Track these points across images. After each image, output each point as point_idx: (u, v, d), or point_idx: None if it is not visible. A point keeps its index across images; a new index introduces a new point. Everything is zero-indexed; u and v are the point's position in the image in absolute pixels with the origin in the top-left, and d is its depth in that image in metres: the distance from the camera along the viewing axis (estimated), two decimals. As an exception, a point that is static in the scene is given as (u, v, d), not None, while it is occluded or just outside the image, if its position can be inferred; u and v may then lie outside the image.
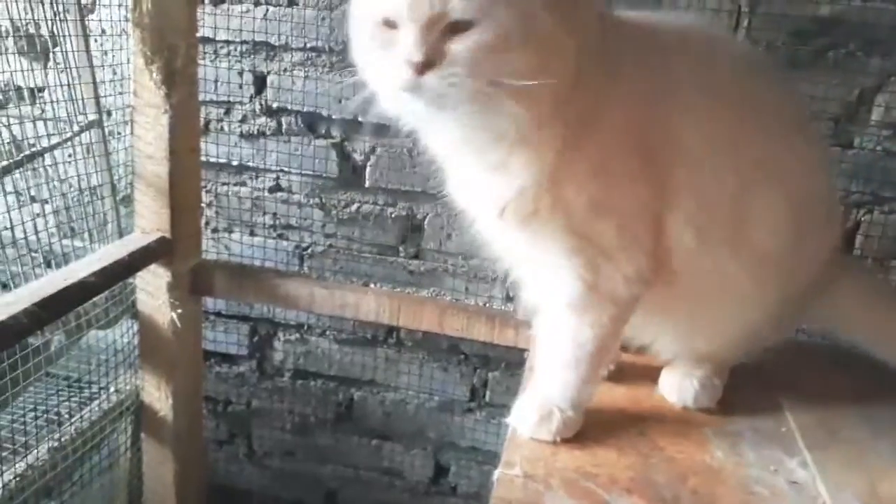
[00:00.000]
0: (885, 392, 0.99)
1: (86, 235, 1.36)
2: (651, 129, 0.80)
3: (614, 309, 0.84)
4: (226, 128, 1.47)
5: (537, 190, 0.77)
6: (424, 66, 0.68)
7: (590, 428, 0.88)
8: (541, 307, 0.93)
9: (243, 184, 1.49)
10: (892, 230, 1.30)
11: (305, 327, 1.56)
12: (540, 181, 0.77)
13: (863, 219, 1.31)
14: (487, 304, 1.45)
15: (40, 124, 1.35)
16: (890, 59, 1.24)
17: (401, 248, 1.48)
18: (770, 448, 0.88)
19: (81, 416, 1.26)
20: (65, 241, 1.36)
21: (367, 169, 1.45)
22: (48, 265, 1.30)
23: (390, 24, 0.70)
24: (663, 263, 0.84)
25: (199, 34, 1.34)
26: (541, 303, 0.92)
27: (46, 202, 1.36)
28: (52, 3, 1.27)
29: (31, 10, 1.34)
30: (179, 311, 1.30)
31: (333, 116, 1.42)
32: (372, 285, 1.48)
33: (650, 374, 1.00)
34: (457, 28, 0.69)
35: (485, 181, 0.80)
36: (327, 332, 1.55)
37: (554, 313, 0.87)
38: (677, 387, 0.97)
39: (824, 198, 0.96)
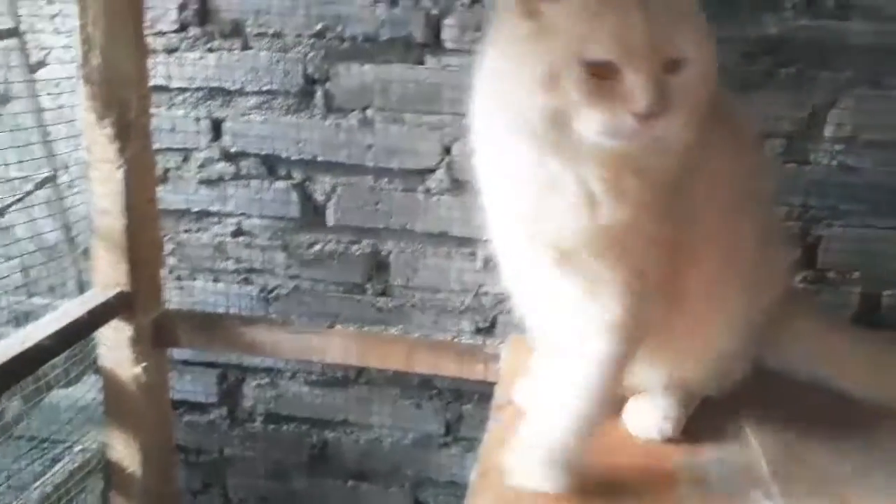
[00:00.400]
0: (848, 413, 0.99)
1: (47, 292, 1.34)
2: (699, 170, 0.81)
3: (641, 338, 0.84)
4: (184, 175, 1.46)
5: (628, 222, 0.77)
6: (655, 115, 0.66)
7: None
8: (554, 348, 0.91)
9: (205, 230, 1.48)
10: (851, 244, 1.31)
11: (275, 371, 1.54)
12: (637, 215, 0.76)
13: (823, 233, 1.32)
14: (456, 339, 1.44)
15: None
16: (840, 76, 1.25)
17: (367, 286, 1.47)
18: (735, 480, 0.88)
19: (44, 481, 1.23)
20: (27, 299, 1.34)
21: (329, 208, 1.44)
22: (9, 323, 1.29)
23: (602, 67, 0.66)
24: (679, 288, 0.85)
25: (152, 83, 1.35)
26: (558, 342, 0.90)
27: (6, 261, 1.35)
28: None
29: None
30: (144, 364, 1.29)
31: (292, 158, 1.42)
32: (339, 325, 1.46)
33: (615, 406, 1.00)
34: (672, 66, 0.67)
35: (573, 213, 0.77)
36: (297, 375, 1.53)
37: (580, 350, 0.84)
38: (641, 420, 0.97)
39: (776, 215, 1.03)
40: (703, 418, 0.98)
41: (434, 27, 1.34)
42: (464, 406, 1.50)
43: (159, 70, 1.40)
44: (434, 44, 1.34)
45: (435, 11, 1.33)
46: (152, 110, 1.35)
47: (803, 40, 1.25)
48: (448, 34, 1.34)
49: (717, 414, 0.98)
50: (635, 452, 0.93)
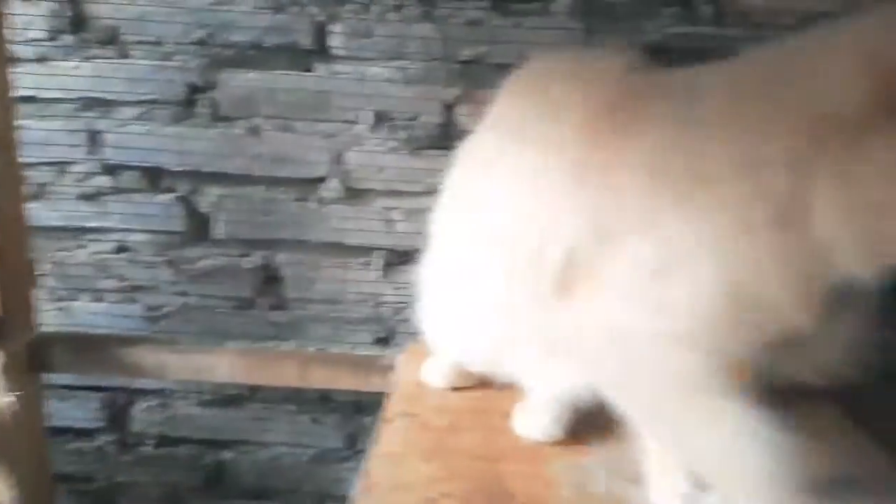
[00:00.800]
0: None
1: None
2: None
3: None
4: (61, 190, 1.39)
5: None
6: None
7: (439, 476, 0.87)
8: None
9: (84, 247, 1.41)
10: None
11: (165, 392, 1.47)
12: None
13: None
14: (354, 350, 1.41)
15: None
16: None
17: (259, 300, 1.42)
18: (619, 481, 0.88)
19: None
20: None
21: (217, 221, 1.39)
22: None
23: None
24: None
25: (19, 94, 1.28)
26: None
27: None
28: None
29: None
30: (17, 393, 1.21)
31: (176, 169, 1.37)
32: (231, 342, 1.42)
33: (505, 410, 0.99)
34: None
35: None
36: (189, 395, 1.47)
37: None
38: (529, 422, 0.97)
39: None
40: (589, 418, 0.98)
41: (321, 34, 1.32)
42: (364, 419, 1.48)
43: (28, 80, 1.32)
44: (321, 51, 1.32)
45: (321, 18, 1.31)
46: (21, 122, 1.27)
47: (682, 47, 1.28)
48: (335, 41, 1.32)
49: (603, 415, 0.99)
50: (520, 456, 0.93)
